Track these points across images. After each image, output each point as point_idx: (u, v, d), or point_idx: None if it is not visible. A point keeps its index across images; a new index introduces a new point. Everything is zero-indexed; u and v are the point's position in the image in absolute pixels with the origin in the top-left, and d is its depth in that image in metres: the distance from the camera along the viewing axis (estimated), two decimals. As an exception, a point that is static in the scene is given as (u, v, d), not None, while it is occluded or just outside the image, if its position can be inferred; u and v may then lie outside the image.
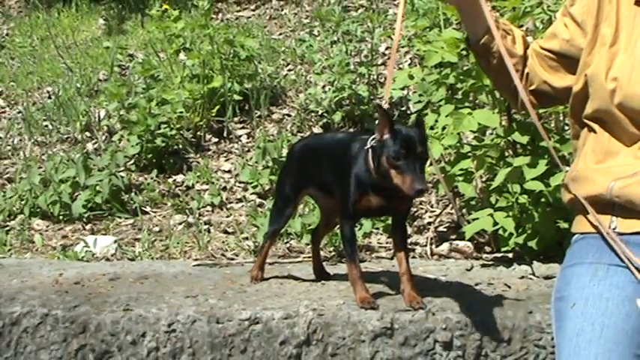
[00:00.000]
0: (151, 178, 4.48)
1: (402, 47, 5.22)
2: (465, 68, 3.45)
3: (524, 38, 2.59)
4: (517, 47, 2.56)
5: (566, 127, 3.45)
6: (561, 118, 3.63)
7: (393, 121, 2.46)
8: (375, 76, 4.90)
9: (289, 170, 2.93)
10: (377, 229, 3.75)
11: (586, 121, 2.38)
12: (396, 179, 2.40)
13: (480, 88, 3.41)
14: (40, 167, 4.59)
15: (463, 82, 3.46)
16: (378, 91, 4.76)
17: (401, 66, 5.00)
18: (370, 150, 2.50)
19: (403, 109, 4.68)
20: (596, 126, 2.35)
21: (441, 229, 3.74)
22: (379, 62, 5.11)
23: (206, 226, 4.02)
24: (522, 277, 3.11)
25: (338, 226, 3.01)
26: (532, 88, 2.55)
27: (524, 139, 3.28)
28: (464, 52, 3.40)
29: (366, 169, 2.53)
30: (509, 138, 3.34)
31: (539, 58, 2.53)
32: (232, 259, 3.64)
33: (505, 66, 2.50)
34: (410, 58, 5.16)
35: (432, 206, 3.98)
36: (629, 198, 2.21)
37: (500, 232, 3.29)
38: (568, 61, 2.46)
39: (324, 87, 4.93)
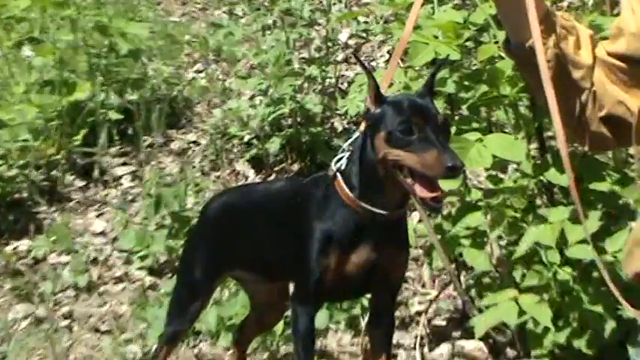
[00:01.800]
0: (-22, 246, 4.46)
1: (375, 35, 5.27)
2: (473, 69, 3.47)
3: (593, 38, 2.56)
4: (583, 54, 2.52)
5: (631, 160, 3.48)
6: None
7: (378, 86, 2.44)
8: (334, 80, 4.92)
9: (201, 243, 2.93)
10: (337, 323, 3.74)
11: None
12: (410, 160, 2.34)
13: (496, 99, 3.43)
14: None
15: (469, 90, 3.48)
16: (339, 105, 4.76)
17: (374, 64, 5.04)
18: (339, 175, 2.51)
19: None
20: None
21: (437, 322, 3.76)
22: (339, 58, 5.15)
23: (66, 322, 3.99)
24: (566, 397, 3.13)
25: (273, 323, 3.03)
26: (603, 114, 2.52)
27: (566, 180, 3.30)
28: (470, 44, 3.43)
29: (337, 205, 2.51)
30: (541, 178, 3.36)
31: (607, 69, 2.51)
32: (107, 374, 3.63)
33: (562, 81, 2.46)
34: (387, 52, 5.19)
35: (423, 285, 4.00)
36: None
37: (531, 325, 3.30)
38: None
39: (252, 98, 4.96)
